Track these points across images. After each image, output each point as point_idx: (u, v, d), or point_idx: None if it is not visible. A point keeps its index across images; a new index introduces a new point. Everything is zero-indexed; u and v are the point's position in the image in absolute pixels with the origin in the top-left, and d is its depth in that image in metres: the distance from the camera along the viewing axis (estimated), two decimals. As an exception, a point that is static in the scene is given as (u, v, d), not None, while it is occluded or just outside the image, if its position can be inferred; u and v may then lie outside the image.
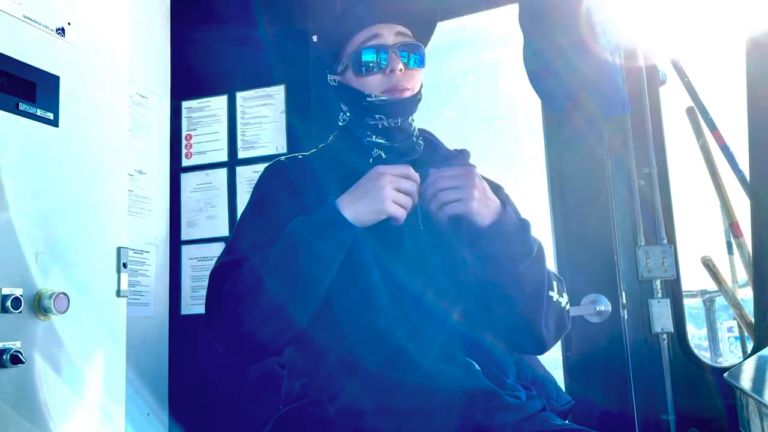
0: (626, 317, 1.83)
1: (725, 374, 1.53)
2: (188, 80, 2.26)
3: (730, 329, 3.49)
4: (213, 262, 2.11)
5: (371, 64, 1.20)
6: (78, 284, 1.24)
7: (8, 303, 1.08)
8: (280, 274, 1.04)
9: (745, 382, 1.42)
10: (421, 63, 1.23)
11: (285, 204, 1.18)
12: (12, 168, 1.14)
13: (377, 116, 1.21)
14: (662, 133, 1.91)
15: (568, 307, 1.19)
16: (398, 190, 1.06)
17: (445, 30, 2.12)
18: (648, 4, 1.87)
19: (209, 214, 2.19)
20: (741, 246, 2.06)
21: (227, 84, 2.23)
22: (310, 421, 1.08)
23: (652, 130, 1.88)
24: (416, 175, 1.09)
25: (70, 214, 1.25)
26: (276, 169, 1.25)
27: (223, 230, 2.17)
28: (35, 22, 1.22)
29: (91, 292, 1.27)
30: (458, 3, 2.06)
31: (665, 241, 1.83)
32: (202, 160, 2.23)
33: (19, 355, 1.08)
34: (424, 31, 1.28)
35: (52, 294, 1.15)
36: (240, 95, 2.22)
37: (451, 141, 1.36)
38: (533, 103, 2.00)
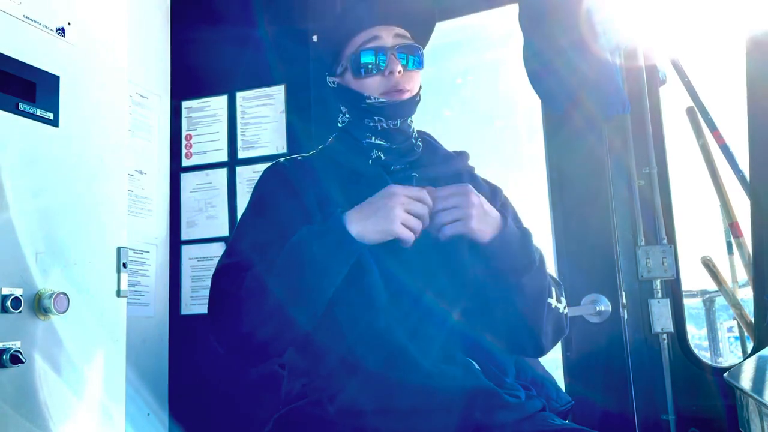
0: (626, 317, 1.83)
1: (725, 374, 1.53)
2: (188, 80, 2.26)
3: (730, 329, 3.48)
4: (213, 262, 2.14)
5: (370, 66, 1.20)
6: (78, 284, 1.24)
7: (8, 303, 1.08)
8: (284, 283, 1.03)
9: (745, 382, 1.43)
10: (419, 64, 1.23)
11: (285, 205, 1.18)
12: (12, 168, 1.14)
13: (376, 118, 1.21)
14: (662, 133, 1.91)
15: (566, 311, 1.20)
16: (409, 213, 1.04)
17: (445, 30, 2.12)
18: (648, 4, 1.87)
19: (209, 214, 2.19)
20: (741, 246, 2.06)
21: (227, 84, 2.23)
22: (310, 421, 1.08)
23: (652, 130, 1.88)
24: (429, 199, 1.07)
25: (70, 214, 1.25)
26: (275, 171, 1.25)
27: (223, 230, 2.17)
28: (35, 22, 1.22)
29: (91, 292, 1.27)
30: (458, 3, 2.06)
31: (665, 241, 1.83)
32: (202, 160, 2.23)
33: (19, 355, 1.08)
34: (422, 33, 1.28)
35: (52, 294, 1.15)
36: (240, 95, 2.22)
37: (451, 141, 1.36)
38: (533, 103, 2.00)
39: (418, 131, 1.31)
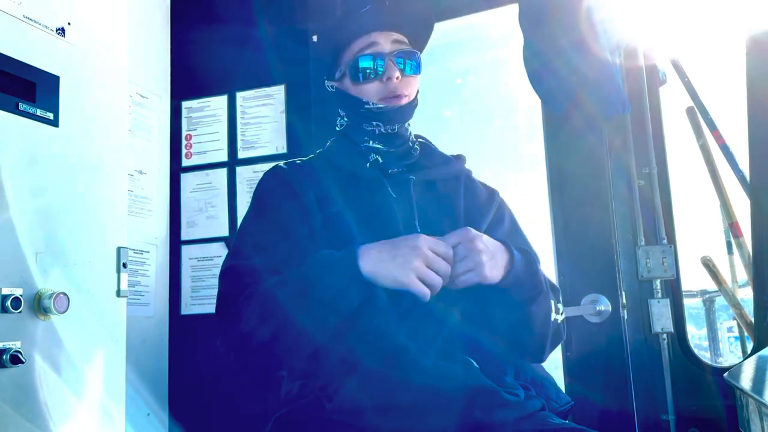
0: (626, 317, 1.83)
1: (725, 374, 1.53)
2: (188, 80, 2.26)
3: (730, 329, 3.48)
4: (213, 262, 2.14)
5: (368, 72, 1.21)
6: (78, 284, 1.24)
7: (8, 303, 1.08)
8: (294, 306, 1.03)
9: (745, 382, 1.43)
10: (417, 70, 1.25)
11: (284, 205, 1.20)
12: (12, 168, 1.14)
13: (374, 123, 1.23)
14: (662, 133, 1.91)
15: (563, 317, 1.22)
16: (430, 268, 1.02)
17: (445, 30, 2.12)
18: (648, 4, 1.86)
19: (209, 214, 2.19)
20: (741, 246, 2.06)
21: (227, 84, 2.23)
22: (310, 420, 1.08)
23: (652, 130, 1.88)
24: (452, 255, 1.05)
25: (70, 214, 1.25)
26: (274, 174, 1.27)
27: (223, 230, 2.17)
28: (35, 22, 1.22)
29: (91, 292, 1.27)
30: (458, 3, 2.06)
31: (665, 241, 1.83)
32: (202, 160, 2.23)
33: (19, 355, 1.08)
34: (420, 38, 1.30)
35: (52, 294, 1.15)
36: (240, 95, 2.22)
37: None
38: (533, 103, 2.00)
39: (415, 135, 1.32)
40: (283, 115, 2.15)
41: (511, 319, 1.13)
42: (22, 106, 1.17)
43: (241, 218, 2.11)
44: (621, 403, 1.77)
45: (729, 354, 3.46)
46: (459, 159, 1.33)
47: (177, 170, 2.24)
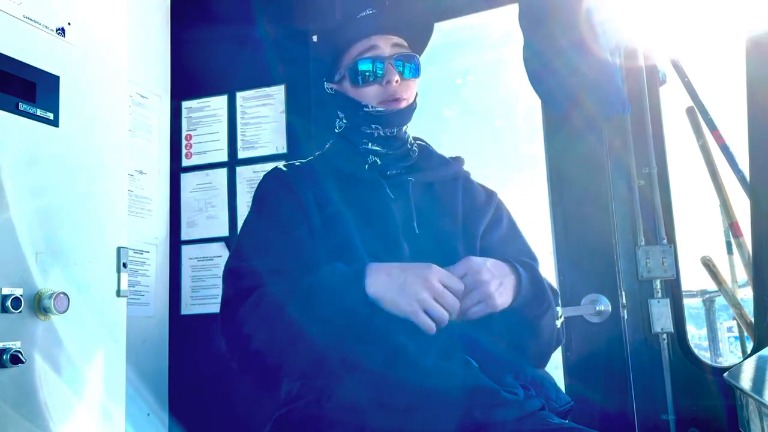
0: (626, 317, 1.83)
1: (725, 374, 1.53)
2: (188, 80, 2.26)
3: (730, 329, 3.49)
4: (213, 262, 2.14)
5: (368, 75, 1.22)
6: (78, 284, 1.24)
7: (8, 303, 1.09)
8: (303, 318, 1.03)
9: (745, 382, 1.43)
10: (416, 73, 1.26)
11: (284, 205, 1.20)
12: (12, 168, 1.14)
13: (373, 126, 1.24)
14: (662, 133, 1.91)
15: (562, 319, 1.22)
16: (438, 301, 1.00)
17: (445, 30, 2.12)
18: (648, 4, 1.86)
19: (209, 214, 2.19)
20: (741, 246, 2.06)
21: (227, 84, 2.23)
22: (309, 420, 1.08)
23: (652, 130, 1.88)
24: (462, 289, 1.03)
25: (70, 214, 1.25)
26: (273, 175, 1.28)
27: (223, 230, 2.17)
28: (35, 22, 1.22)
29: (91, 292, 1.27)
30: (458, 3, 2.06)
31: (665, 241, 1.83)
32: (202, 160, 2.23)
33: (19, 355, 1.08)
34: (419, 42, 1.31)
35: (52, 294, 1.15)
36: (240, 95, 2.22)
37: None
38: (533, 103, 2.00)
39: (414, 137, 1.33)
40: (283, 115, 2.15)
41: (519, 332, 1.14)
42: (22, 106, 1.17)
43: (241, 218, 2.13)
44: (621, 403, 1.77)
45: (729, 354, 3.46)
46: (457, 161, 1.33)
47: (177, 170, 2.24)
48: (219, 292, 2.11)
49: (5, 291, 1.10)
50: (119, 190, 1.39)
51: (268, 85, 2.18)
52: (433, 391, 1.03)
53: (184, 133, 2.27)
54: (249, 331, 1.06)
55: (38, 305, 1.15)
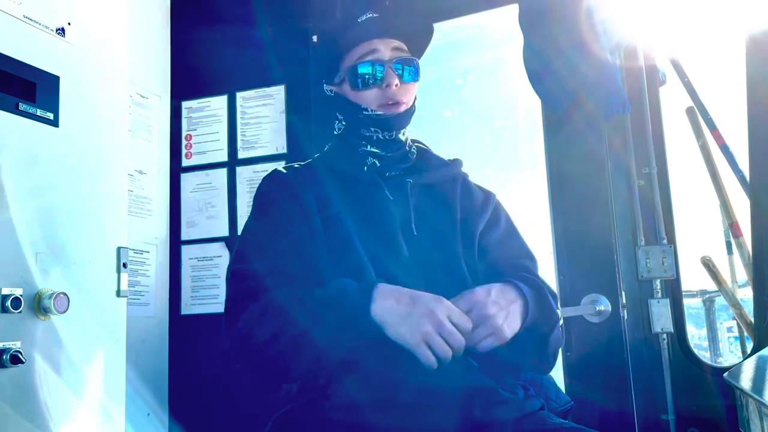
0: (626, 317, 1.83)
1: (725, 374, 1.53)
2: (188, 80, 2.26)
3: (729, 329, 3.49)
4: (213, 262, 2.14)
5: (368, 79, 1.22)
6: (78, 284, 1.24)
7: (8, 303, 1.09)
8: (309, 328, 1.03)
9: (745, 382, 1.43)
10: (415, 77, 1.26)
11: (284, 206, 1.21)
12: (12, 168, 1.14)
13: (372, 129, 1.25)
14: (662, 133, 1.91)
15: (561, 321, 1.23)
16: (442, 337, 0.99)
17: (445, 30, 2.12)
18: (648, 4, 1.86)
19: (209, 214, 2.19)
20: (741, 246, 2.06)
21: (227, 84, 2.23)
22: (309, 420, 1.08)
23: (652, 130, 1.88)
24: (470, 327, 1.02)
25: (70, 214, 1.25)
26: (273, 176, 1.29)
27: (223, 230, 2.17)
28: (35, 22, 1.22)
29: (91, 292, 1.27)
30: (458, 3, 2.06)
31: (665, 241, 1.83)
32: (202, 160, 2.23)
33: (19, 355, 1.08)
34: (419, 45, 1.31)
35: (52, 294, 1.15)
36: (240, 95, 2.22)
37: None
38: (533, 103, 2.00)
39: (412, 139, 1.34)
40: (283, 115, 2.15)
41: (527, 347, 1.14)
42: (22, 106, 1.17)
43: (241, 218, 2.13)
44: (621, 403, 1.77)
45: (729, 354, 3.46)
46: (456, 163, 1.35)
47: (177, 170, 2.24)
48: (219, 292, 2.12)
49: (5, 291, 1.10)
50: (119, 190, 1.39)
51: (268, 85, 2.18)
52: (433, 391, 1.03)
53: (184, 133, 2.27)
54: (255, 337, 1.06)
55: (38, 305, 1.15)
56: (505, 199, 1.37)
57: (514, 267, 1.25)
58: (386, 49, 1.24)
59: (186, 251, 2.19)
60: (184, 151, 2.26)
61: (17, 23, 1.19)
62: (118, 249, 1.35)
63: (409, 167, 1.28)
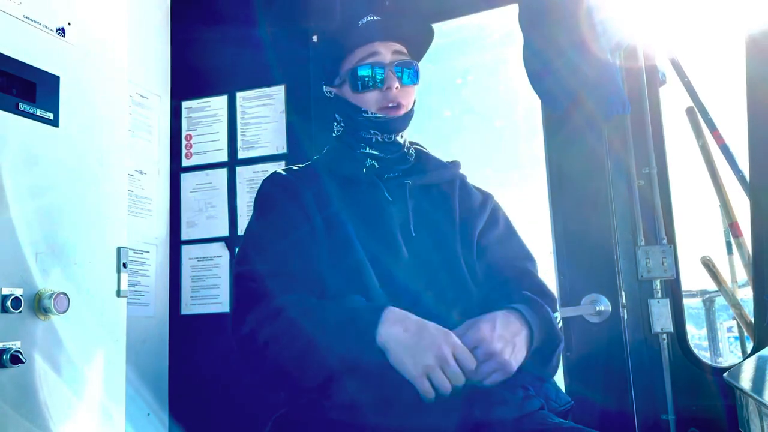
0: (626, 317, 1.83)
1: (725, 374, 1.53)
2: (188, 80, 2.26)
3: (729, 329, 3.49)
4: (213, 262, 2.14)
5: (369, 81, 1.24)
6: (78, 284, 1.24)
7: (8, 303, 1.08)
8: (315, 341, 1.04)
9: (745, 382, 1.43)
10: (415, 80, 1.27)
11: (285, 206, 1.22)
12: (12, 168, 1.14)
13: (372, 131, 1.26)
14: (662, 133, 1.91)
15: (560, 323, 1.23)
16: (444, 372, 0.99)
17: (445, 30, 2.12)
18: (648, 3, 1.86)
19: (209, 214, 2.19)
20: (741, 246, 2.06)
21: (227, 84, 2.23)
22: (309, 420, 1.08)
23: (652, 130, 1.88)
24: (473, 365, 1.01)
25: (70, 214, 1.25)
26: (273, 179, 1.29)
27: (223, 230, 2.17)
28: (35, 22, 1.22)
29: (91, 292, 1.27)
30: (458, 3, 2.06)
31: (665, 241, 1.83)
32: (202, 160, 2.23)
33: (19, 355, 1.08)
34: (419, 49, 1.33)
35: (52, 294, 1.15)
36: (240, 95, 2.21)
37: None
38: (533, 103, 2.00)
39: (410, 141, 1.35)
40: (283, 115, 2.15)
41: (532, 364, 1.14)
42: (22, 106, 1.17)
43: (241, 218, 2.13)
44: (621, 403, 1.77)
45: (729, 354, 3.47)
46: (454, 164, 1.36)
47: (177, 170, 2.24)
48: (219, 292, 2.12)
49: (5, 291, 1.09)
50: (119, 190, 1.39)
51: (268, 85, 2.18)
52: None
53: (184, 133, 2.27)
54: (261, 341, 1.07)
55: (38, 305, 1.15)
56: (505, 199, 1.38)
57: (514, 269, 1.25)
58: (387, 52, 1.25)
59: (186, 251, 2.19)
60: (184, 151, 2.26)
61: (17, 23, 1.19)
62: (118, 249, 1.35)
63: (408, 169, 1.29)
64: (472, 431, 1.01)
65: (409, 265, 1.16)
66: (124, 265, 1.35)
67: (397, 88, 1.23)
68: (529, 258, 1.30)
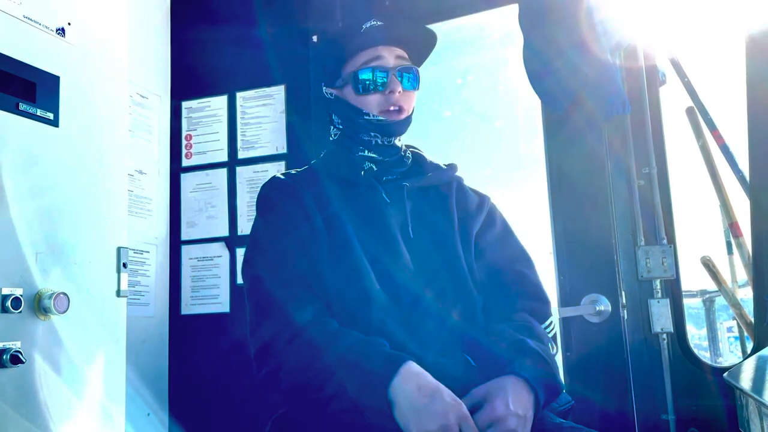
0: (626, 317, 1.83)
1: (725, 374, 1.53)
2: (188, 80, 2.26)
3: (729, 329, 3.49)
4: (213, 262, 2.14)
5: (371, 84, 1.24)
6: (78, 284, 1.24)
7: (8, 303, 1.09)
8: (332, 364, 1.03)
9: (745, 382, 1.42)
10: (416, 84, 1.28)
11: (286, 207, 1.22)
12: (12, 168, 1.14)
13: (372, 134, 1.26)
14: (662, 133, 1.91)
15: (554, 331, 1.24)
16: None
17: (445, 30, 2.12)
18: (648, 3, 1.86)
19: (209, 214, 2.19)
20: (741, 246, 2.06)
21: (227, 84, 2.23)
22: (309, 420, 1.08)
23: (652, 130, 1.88)
24: None
25: (70, 214, 1.25)
26: (272, 183, 1.30)
27: (223, 230, 2.17)
28: (35, 22, 1.22)
29: (91, 292, 1.27)
30: (458, 3, 2.06)
31: (665, 241, 1.83)
32: (202, 160, 2.23)
33: (19, 355, 1.08)
34: (421, 54, 1.34)
35: (52, 294, 1.15)
36: (240, 95, 2.22)
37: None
38: (533, 103, 2.00)
39: (406, 145, 1.35)
40: (283, 115, 2.15)
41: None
42: (22, 106, 1.17)
43: (241, 218, 2.13)
44: (621, 403, 1.77)
45: (729, 354, 3.46)
46: (451, 167, 1.37)
47: (177, 170, 2.24)
48: (219, 292, 2.13)
49: (5, 291, 1.10)
50: (119, 190, 1.39)
51: (268, 85, 2.18)
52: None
53: (184, 133, 2.27)
54: (275, 362, 1.07)
55: (38, 305, 1.15)
56: (505, 199, 1.38)
57: (512, 272, 1.26)
58: (390, 56, 1.26)
59: (186, 251, 2.19)
60: (184, 151, 2.26)
61: (17, 23, 1.19)
62: (118, 249, 1.35)
63: (406, 171, 1.30)
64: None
65: (409, 265, 1.16)
66: (124, 265, 1.35)
67: (399, 92, 1.24)
68: (526, 259, 1.30)
